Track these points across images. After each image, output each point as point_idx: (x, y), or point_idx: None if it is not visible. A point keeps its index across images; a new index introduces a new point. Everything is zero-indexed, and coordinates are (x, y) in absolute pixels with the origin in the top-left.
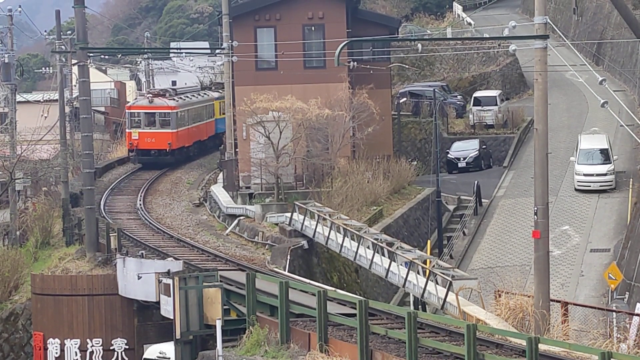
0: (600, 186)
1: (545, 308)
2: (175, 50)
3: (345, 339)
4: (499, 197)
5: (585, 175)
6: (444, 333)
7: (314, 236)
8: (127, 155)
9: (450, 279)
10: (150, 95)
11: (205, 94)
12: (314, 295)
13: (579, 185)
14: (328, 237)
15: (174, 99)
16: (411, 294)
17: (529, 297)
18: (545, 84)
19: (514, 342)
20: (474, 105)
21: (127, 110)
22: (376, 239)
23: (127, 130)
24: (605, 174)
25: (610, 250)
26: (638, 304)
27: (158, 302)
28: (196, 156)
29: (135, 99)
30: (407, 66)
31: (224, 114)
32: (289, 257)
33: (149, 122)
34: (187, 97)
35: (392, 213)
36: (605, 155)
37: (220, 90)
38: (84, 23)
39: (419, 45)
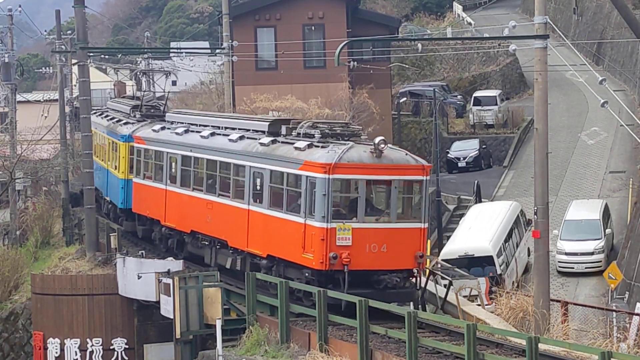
0: (586, 268)
1: (545, 308)
2: (176, 50)
3: (345, 338)
4: (499, 197)
5: (567, 254)
6: (444, 333)
7: None
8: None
9: (450, 278)
10: (382, 143)
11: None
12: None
13: (560, 267)
14: None
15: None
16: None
17: (529, 297)
18: (545, 84)
19: (514, 342)
20: (474, 105)
21: (325, 177)
22: None
23: (319, 225)
24: (591, 253)
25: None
26: (638, 303)
27: (158, 302)
28: None
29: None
30: (407, 66)
31: None
32: None
33: (374, 204)
34: None
35: None
36: (595, 229)
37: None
38: (84, 23)
39: (419, 45)
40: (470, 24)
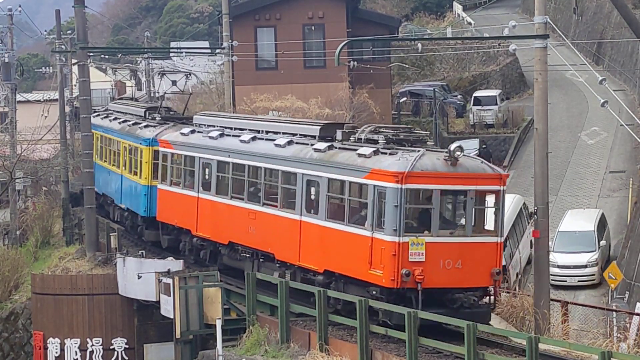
0: (579, 281)
1: (546, 308)
2: (176, 50)
3: (345, 338)
4: None
5: (560, 267)
6: (444, 332)
7: None
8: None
9: None
10: (458, 151)
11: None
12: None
13: (552, 280)
14: None
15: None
16: None
17: (530, 296)
18: (545, 84)
19: (514, 342)
20: (474, 104)
21: (397, 186)
22: None
23: (390, 239)
24: (585, 266)
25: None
26: (638, 303)
27: (158, 302)
28: None
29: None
30: (407, 66)
31: None
32: None
33: (448, 216)
34: None
35: None
36: (589, 240)
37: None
38: (84, 23)
39: (419, 45)
40: (470, 23)
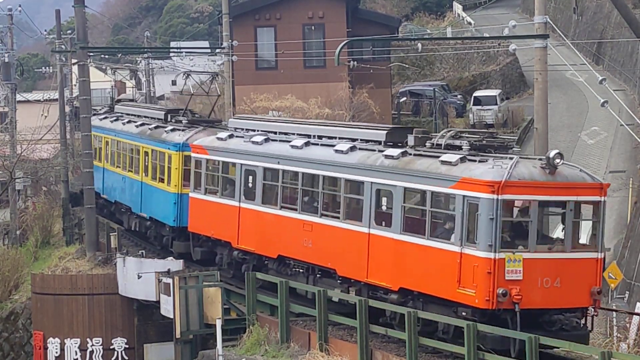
0: None
1: None
2: (176, 50)
3: (345, 338)
4: None
5: None
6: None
7: None
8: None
9: None
10: (557, 158)
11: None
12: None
13: None
14: None
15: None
16: None
17: None
18: (545, 84)
19: None
20: (474, 104)
21: (492, 197)
22: None
23: (484, 255)
24: None
25: (610, 249)
26: (638, 303)
27: (158, 302)
28: None
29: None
30: (407, 66)
31: None
32: None
33: (544, 230)
34: None
35: None
36: None
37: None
38: (84, 22)
39: (419, 45)
40: (470, 23)
